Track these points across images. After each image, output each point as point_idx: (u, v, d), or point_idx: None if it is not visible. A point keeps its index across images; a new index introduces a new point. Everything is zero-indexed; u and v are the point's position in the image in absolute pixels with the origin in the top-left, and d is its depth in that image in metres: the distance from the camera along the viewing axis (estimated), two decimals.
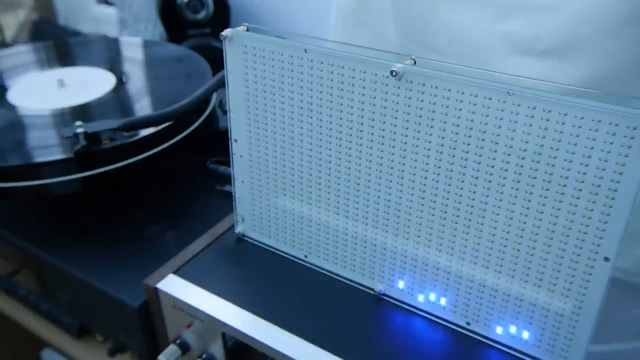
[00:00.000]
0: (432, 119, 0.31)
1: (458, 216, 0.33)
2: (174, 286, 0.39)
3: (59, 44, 0.71)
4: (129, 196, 0.54)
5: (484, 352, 0.34)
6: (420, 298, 0.37)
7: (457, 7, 0.47)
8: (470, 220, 0.33)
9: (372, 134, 0.34)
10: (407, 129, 0.33)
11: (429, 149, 0.32)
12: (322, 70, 0.34)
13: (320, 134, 0.36)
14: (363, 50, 0.33)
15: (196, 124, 0.51)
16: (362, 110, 0.34)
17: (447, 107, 0.31)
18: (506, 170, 0.30)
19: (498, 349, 0.34)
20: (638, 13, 0.40)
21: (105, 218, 0.51)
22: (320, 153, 0.37)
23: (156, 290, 0.40)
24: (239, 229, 0.44)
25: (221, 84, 0.44)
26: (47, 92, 0.57)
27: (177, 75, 0.60)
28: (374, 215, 0.36)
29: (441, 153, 0.32)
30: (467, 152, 0.31)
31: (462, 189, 0.32)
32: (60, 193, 0.46)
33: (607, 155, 0.27)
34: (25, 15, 1.01)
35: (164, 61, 0.64)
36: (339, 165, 0.36)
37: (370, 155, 0.35)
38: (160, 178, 0.56)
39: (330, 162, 0.37)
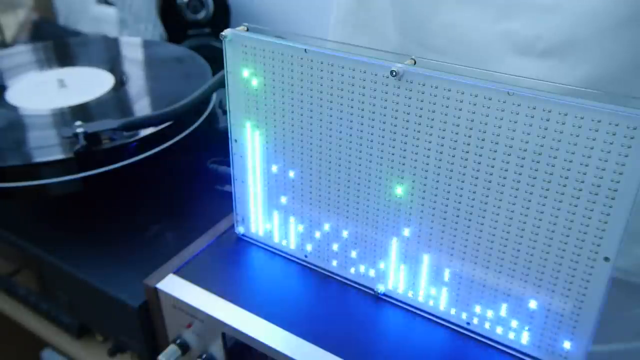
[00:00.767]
0: (432, 119, 0.31)
1: (458, 216, 0.33)
2: (174, 286, 0.39)
3: (59, 44, 0.71)
4: (129, 196, 0.54)
5: (484, 352, 0.34)
6: (420, 298, 0.37)
7: (457, 7, 0.47)
8: (470, 220, 0.33)
9: (372, 134, 0.34)
10: (407, 129, 0.33)
11: (429, 149, 0.32)
12: (322, 71, 0.34)
13: (320, 133, 0.36)
14: (363, 50, 0.33)
15: (196, 124, 0.51)
16: (362, 110, 0.34)
17: (447, 107, 0.31)
18: (506, 170, 0.30)
19: (498, 349, 0.34)
20: (637, 13, 0.40)
21: (105, 218, 0.51)
22: (320, 153, 0.37)
23: (156, 290, 0.40)
24: (239, 229, 0.44)
25: (221, 84, 0.44)
26: (47, 92, 0.57)
27: (176, 76, 0.60)
28: (373, 215, 0.36)
29: (441, 153, 0.32)
30: (467, 152, 0.31)
31: (462, 189, 0.32)
32: (60, 193, 0.46)
33: (607, 155, 0.27)
34: (25, 15, 1.01)
35: (164, 61, 0.64)
36: (339, 165, 0.36)
37: (370, 155, 0.35)
38: (160, 178, 0.56)
39: (330, 162, 0.37)
